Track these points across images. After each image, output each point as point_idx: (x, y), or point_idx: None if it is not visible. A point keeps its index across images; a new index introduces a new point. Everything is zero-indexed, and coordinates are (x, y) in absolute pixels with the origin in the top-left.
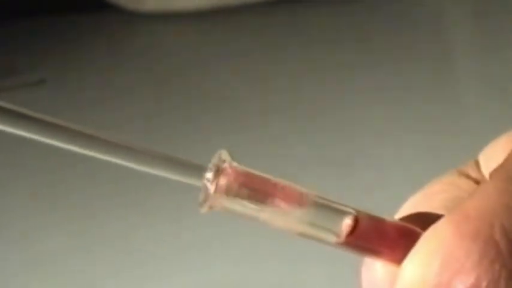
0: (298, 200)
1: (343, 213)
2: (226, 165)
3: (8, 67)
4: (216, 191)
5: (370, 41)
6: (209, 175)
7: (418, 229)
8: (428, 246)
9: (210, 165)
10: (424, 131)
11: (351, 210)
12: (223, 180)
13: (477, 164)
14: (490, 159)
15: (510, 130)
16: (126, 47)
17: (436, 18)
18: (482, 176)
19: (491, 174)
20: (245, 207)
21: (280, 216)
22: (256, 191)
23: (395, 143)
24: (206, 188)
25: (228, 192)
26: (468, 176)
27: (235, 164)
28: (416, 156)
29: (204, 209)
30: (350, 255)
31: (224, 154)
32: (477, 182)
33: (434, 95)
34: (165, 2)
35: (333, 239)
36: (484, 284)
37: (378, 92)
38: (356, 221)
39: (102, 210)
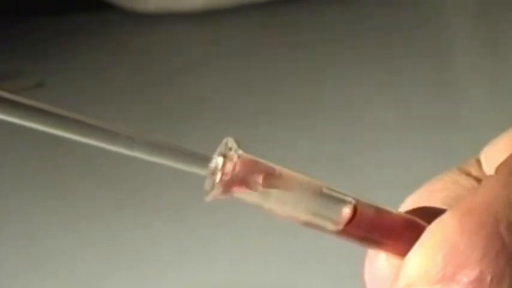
0: (304, 189)
1: (343, 202)
2: (232, 152)
3: (6, 69)
4: (222, 178)
5: (370, 40)
6: (215, 163)
7: (422, 222)
8: (432, 239)
9: (217, 153)
10: (425, 129)
11: (350, 200)
12: (229, 168)
13: (478, 162)
14: (491, 157)
15: (510, 128)
16: (126, 47)
17: (436, 16)
18: (484, 174)
19: (497, 169)
20: (250, 195)
21: (284, 205)
22: (262, 179)
23: (396, 141)
24: (212, 176)
25: (235, 180)
26: (469, 174)
27: (241, 151)
28: (417, 154)
29: (210, 197)
30: (351, 256)
31: (230, 142)
32: (478, 180)
33: (436, 93)
34: (165, 2)
35: (332, 227)
36: (488, 277)
37: (379, 90)
38: (355, 210)
39: (103, 209)
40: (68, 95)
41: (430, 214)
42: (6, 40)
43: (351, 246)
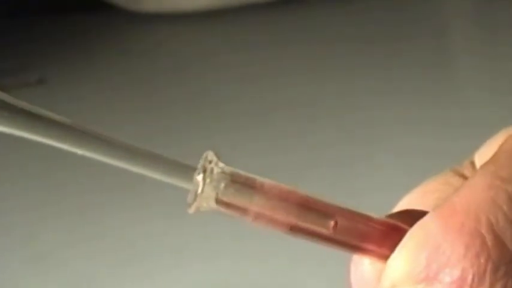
0: (285, 199)
1: (325, 213)
2: (212, 165)
3: (7, 67)
4: (202, 191)
5: (370, 41)
6: (196, 176)
7: (405, 226)
8: (415, 240)
9: (198, 167)
10: (424, 131)
11: (332, 210)
12: (209, 181)
13: (472, 164)
14: (484, 159)
15: (504, 129)
16: (126, 47)
17: (436, 17)
18: None
19: (479, 169)
20: (232, 207)
21: (267, 216)
22: (243, 190)
23: (395, 144)
24: (194, 189)
25: (215, 192)
26: (463, 176)
27: (221, 164)
28: (416, 157)
29: (192, 210)
30: (349, 256)
31: (210, 155)
32: None
33: (435, 95)
34: (165, 2)
35: (318, 235)
36: (469, 276)
37: (378, 92)
38: (336, 220)
39: (102, 208)
40: (68, 92)
41: (417, 217)
42: (8, 38)
43: (348, 257)
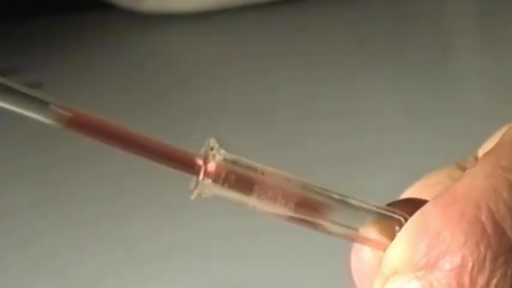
0: (286, 185)
1: (325, 197)
2: (214, 152)
3: (5, 68)
4: (204, 177)
5: (370, 40)
6: (198, 162)
7: (405, 214)
8: (415, 227)
9: (200, 154)
10: (426, 128)
11: (337, 197)
12: (211, 167)
13: (476, 159)
14: None
15: (507, 125)
16: (125, 47)
17: (437, 14)
18: None
19: (480, 159)
20: (233, 193)
21: (268, 202)
22: (244, 177)
23: (396, 140)
24: (196, 175)
25: (216, 178)
26: (465, 170)
27: (223, 151)
28: (417, 154)
29: (194, 196)
30: (349, 246)
31: (212, 142)
32: None
33: (435, 93)
34: (165, 2)
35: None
36: (469, 264)
37: (379, 89)
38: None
39: (103, 208)
40: (66, 94)
41: (416, 205)
42: (5, 39)
43: (349, 248)
